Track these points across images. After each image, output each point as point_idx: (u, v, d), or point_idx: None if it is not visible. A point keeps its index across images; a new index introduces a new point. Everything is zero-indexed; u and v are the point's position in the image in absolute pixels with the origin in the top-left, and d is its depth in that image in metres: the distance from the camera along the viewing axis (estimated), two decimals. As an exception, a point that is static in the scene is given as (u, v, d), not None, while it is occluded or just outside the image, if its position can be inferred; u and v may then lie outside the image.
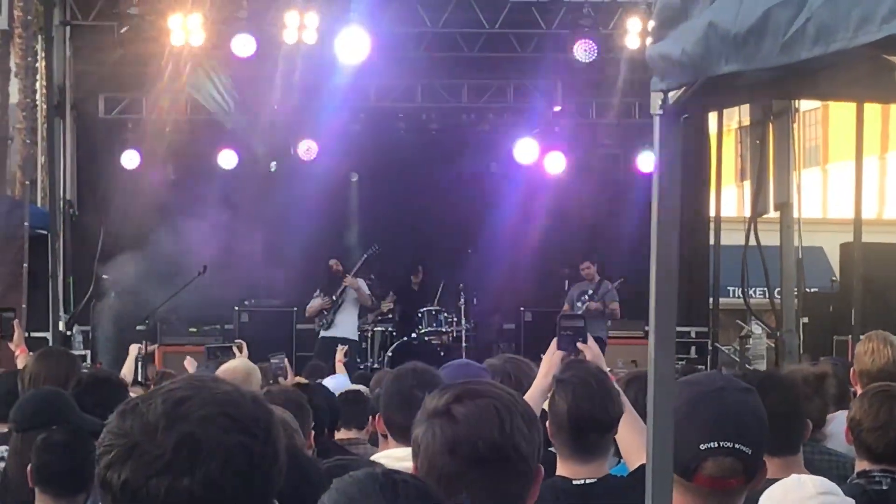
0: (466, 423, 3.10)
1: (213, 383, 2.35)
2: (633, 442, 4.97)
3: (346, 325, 19.50)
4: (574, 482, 4.81)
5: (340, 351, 14.11)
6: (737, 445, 3.53)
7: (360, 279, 19.57)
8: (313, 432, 6.35)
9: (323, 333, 19.47)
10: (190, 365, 11.41)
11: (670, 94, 2.81)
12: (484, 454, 3.08)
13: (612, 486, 4.77)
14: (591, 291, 19.34)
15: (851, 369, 6.56)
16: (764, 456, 3.65)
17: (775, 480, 4.20)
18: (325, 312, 19.53)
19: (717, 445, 3.52)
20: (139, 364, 13.32)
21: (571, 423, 4.84)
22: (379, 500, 2.57)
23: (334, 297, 19.45)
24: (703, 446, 3.50)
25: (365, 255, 19.54)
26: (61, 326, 18.89)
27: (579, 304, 19.08)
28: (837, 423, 6.90)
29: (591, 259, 19.63)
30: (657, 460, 2.86)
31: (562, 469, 4.92)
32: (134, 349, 13.31)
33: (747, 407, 3.65)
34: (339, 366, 13.46)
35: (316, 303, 19.67)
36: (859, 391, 6.45)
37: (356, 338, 19.65)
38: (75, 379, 7.78)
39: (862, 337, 6.79)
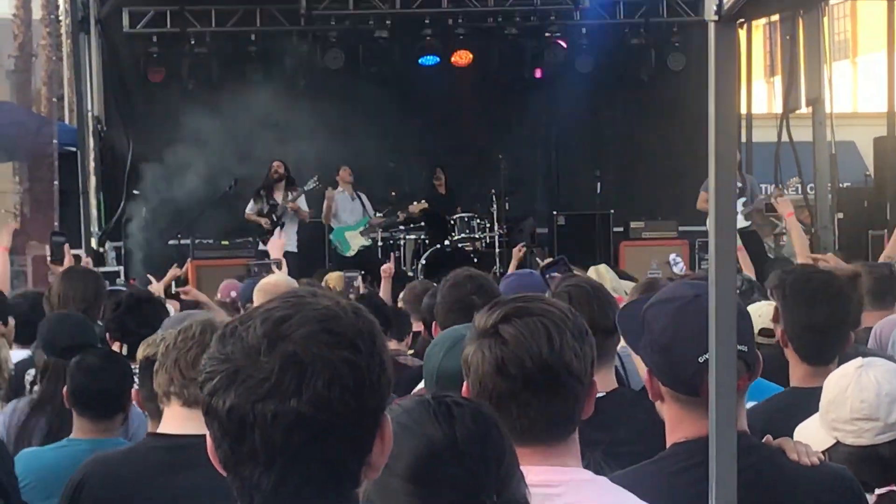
0: (514, 343, 3.05)
1: (312, 299, 2.27)
2: None
3: (288, 239, 18.68)
4: None
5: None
6: None
7: (300, 199, 19.25)
8: None
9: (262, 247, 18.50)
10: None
11: (725, -2, 2.67)
12: (533, 373, 3.03)
13: (619, 400, 4.68)
14: (740, 185, 18.68)
15: None
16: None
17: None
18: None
19: None
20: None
21: None
22: (435, 427, 2.53)
23: (274, 219, 19.06)
24: (701, 359, 3.36)
25: (303, 188, 19.21)
26: (94, 244, 18.89)
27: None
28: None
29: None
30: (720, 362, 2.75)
31: None
32: (175, 272, 13.35)
33: None
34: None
35: (254, 212, 19.31)
36: None
37: (296, 250, 19.09)
38: (104, 298, 7.76)
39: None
